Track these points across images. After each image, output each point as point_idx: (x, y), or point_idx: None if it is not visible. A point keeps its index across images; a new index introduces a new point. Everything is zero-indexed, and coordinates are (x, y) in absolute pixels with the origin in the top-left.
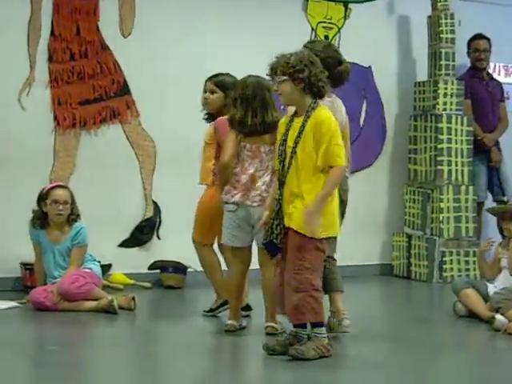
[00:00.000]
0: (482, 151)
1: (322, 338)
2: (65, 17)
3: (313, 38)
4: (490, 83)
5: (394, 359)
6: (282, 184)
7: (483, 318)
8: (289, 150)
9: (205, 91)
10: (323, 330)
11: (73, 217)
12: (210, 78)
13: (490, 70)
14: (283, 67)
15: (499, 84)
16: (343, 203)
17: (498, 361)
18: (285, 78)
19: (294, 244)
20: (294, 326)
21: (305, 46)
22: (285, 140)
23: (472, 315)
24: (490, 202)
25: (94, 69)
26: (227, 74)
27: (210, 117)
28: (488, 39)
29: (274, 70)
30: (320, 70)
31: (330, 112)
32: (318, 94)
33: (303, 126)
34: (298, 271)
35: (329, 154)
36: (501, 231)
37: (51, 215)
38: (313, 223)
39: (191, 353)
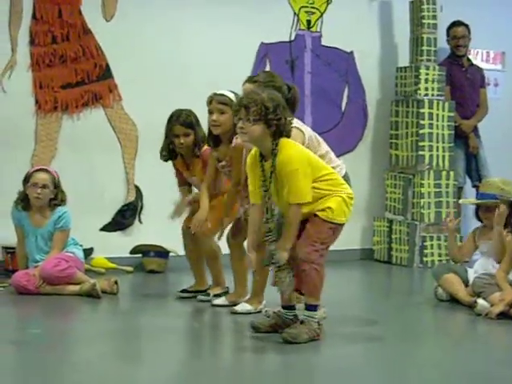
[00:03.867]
0: (461, 137)
1: (313, 321)
2: (47, 0)
3: (295, 23)
4: (470, 69)
5: (375, 344)
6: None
7: (464, 302)
8: (270, 193)
9: (210, 111)
10: (316, 313)
11: (55, 201)
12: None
13: (471, 57)
14: (260, 110)
15: (479, 70)
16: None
17: (479, 345)
18: (257, 119)
19: (313, 220)
20: (283, 308)
21: (254, 81)
22: (264, 181)
23: (453, 300)
24: (468, 187)
25: (76, 52)
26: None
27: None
28: (467, 26)
29: (245, 108)
30: (290, 114)
31: (293, 141)
32: (285, 137)
33: (273, 171)
34: (313, 243)
35: (289, 192)
36: (479, 218)
37: (31, 198)
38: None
39: (175, 336)
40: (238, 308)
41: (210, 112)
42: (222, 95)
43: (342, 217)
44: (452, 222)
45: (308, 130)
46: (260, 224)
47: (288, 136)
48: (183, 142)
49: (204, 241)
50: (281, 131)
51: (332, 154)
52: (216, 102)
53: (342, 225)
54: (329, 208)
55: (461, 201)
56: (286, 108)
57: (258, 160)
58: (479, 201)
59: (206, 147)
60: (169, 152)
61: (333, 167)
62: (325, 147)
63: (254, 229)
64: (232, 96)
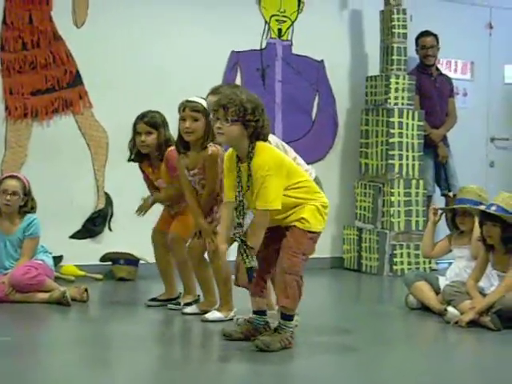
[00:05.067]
0: (430, 146)
1: (288, 330)
2: (17, 5)
3: (266, 31)
4: (439, 79)
5: (347, 352)
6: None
7: (435, 310)
8: (244, 194)
9: (183, 118)
10: (292, 323)
11: (25, 209)
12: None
13: (440, 66)
14: (238, 110)
15: (448, 79)
16: None
17: (449, 353)
18: (235, 119)
19: (292, 232)
20: (254, 313)
21: (217, 93)
22: (239, 182)
23: (424, 308)
24: (437, 196)
25: (46, 59)
26: (156, 112)
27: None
28: (435, 35)
29: (224, 108)
30: (267, 118)
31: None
32: (263, 140)
33: (249, 173)
34: (294, 254)
35: (257, 196)
36: (452, 226)
37: (0, 205)
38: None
39: (145, 344)
40: (209, 316)
41: (183, 119)
42: (195, 102)
43: (318, 225)
44: (436, 215)
45: (274, 138)
46: (232, 221)
47: (265, 139)
48: (144, 140)
49: (175, 247)
50: (258, 133)
51: (300, 160)
52: (189, 109)
53: (319, 233)
54: (303, 218)
55: (440, 208)
56: (265, 111)
57: (235, 161)
58: (459, 206)
59: (170, 149)
60: (136, 154)
61: None
62: (292, 154)
63: (227, 224)
64: (204, 103)
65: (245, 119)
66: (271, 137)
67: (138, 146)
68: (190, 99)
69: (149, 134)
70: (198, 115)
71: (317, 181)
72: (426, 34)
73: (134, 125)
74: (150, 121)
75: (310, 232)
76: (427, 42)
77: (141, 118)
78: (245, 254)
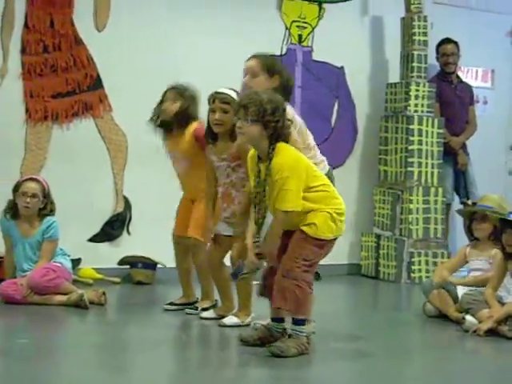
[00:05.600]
0: (449, 154)
1: (302, 336)
2: (39, 9)
3: (287, 37)
4: (459, 86)
5: (364, 359)
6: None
7: (453, 318)
8: (261, 196)
9: (213, 110)
10: (304, 328)
11: (44, 211)
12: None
13: (461, 74)
14: (258, 111)
15: (469, 87)
16: None
17: (467, 361)
18: (255, 119)
19: (297, 236)
20: (272, 320)
21: (257, 57)
22: (258, 183)
23: (441, 316)
24: (456, 204)
25: (67, 62)
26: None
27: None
28: (456, 43)
29: (244, 108)
30: (288, 119)
31: (289, 146)
32: (283, 141)
33: (268, 173)
34: (296, 260)
35: (278, 198)
36: (469, 233)
37: (20, 207)
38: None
39: (162, 348)
40: (226, 321)
41: (213, 111)
42: (225, 94)
43: (327, 233)
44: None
45: (297, 118)
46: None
47: (286, 140)
48: (167, 107)
49: (195, 252)
50: (278, 134)
51: (316, 149)
52: (219, 100)
53: (330, 240)
54: (313, 224)
55: (459, 210)
56: (286, 111)
57: (256, 161)
58: (479, 209)
59: (197, 126)
60: (160, 122)
61: (317, 163)
62: (310, 139)
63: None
64: (234, 94)
65: (264, 120)
66: (296, 117)
67: (162, 113)
68: (219, 90)
69: (174, 102)
70: (228, 107)
71: (329, 174)
72: (446, 41)
73: (164, 92)
74: (178, 89)
75: (316, 239)
76: (448, 49)
77: (170, 87)
78: None
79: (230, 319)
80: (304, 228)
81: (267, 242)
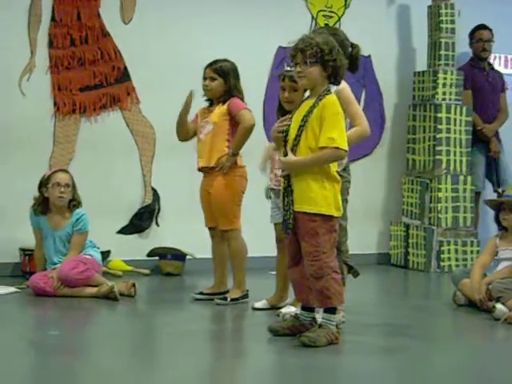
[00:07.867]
0: (482, 141)
1: (331, 325)
2: (65, 2)
3: (313, 26)
4: (491, 73)
5: (394, 349)
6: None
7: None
8: (293, 131)
9: (204, 78)
10: (334, 316)
11: (74, 203)
12: (209, 65)
13: (491, 61)
14: (316, 52)
15: (500, 74)
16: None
17: (498, 350)
18: (314, 61)
19: (305, 231)
20: (302, 309)
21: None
22: (290, 118)
23: (471, 304)
24: (488, 192)
25: (94, 55)
26: (225, 60)
27: (212, 103)
28: (491, 30)
29: (302, 51)
30: (345, 58)
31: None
32: (338, 82)
33: (311, 110)
34: (315, 258)
35: (326, 134)
36: (498, 223)
37: (53, 198)
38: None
39: (193, 338)
40: (285, 310)
41: (283, 89)
42: (216, 63)
43: (333, 210)
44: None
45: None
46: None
47: (339, 81)
48: (207, 84)
49: (232, 241)
50: (336, 74)
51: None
52: (289, 79)
53: (337, 218)
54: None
55: (486, 200)
56: (341, 52)
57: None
58: (505, 199)
59: (236, 100)
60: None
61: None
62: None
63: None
64: (228, 65)
65: (323, 60)
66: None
67: (203, 89)
68: (288, 69)
69: (213, 80)
70: (216, 75)
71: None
72: (482, 27)
73: (204, 70)
74: (216, 67)
75: (324, 219)
76: (484, 35)
77: (210, 64)
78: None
79: (289, 309)
80: (306, 208)
81: (303, 160)
